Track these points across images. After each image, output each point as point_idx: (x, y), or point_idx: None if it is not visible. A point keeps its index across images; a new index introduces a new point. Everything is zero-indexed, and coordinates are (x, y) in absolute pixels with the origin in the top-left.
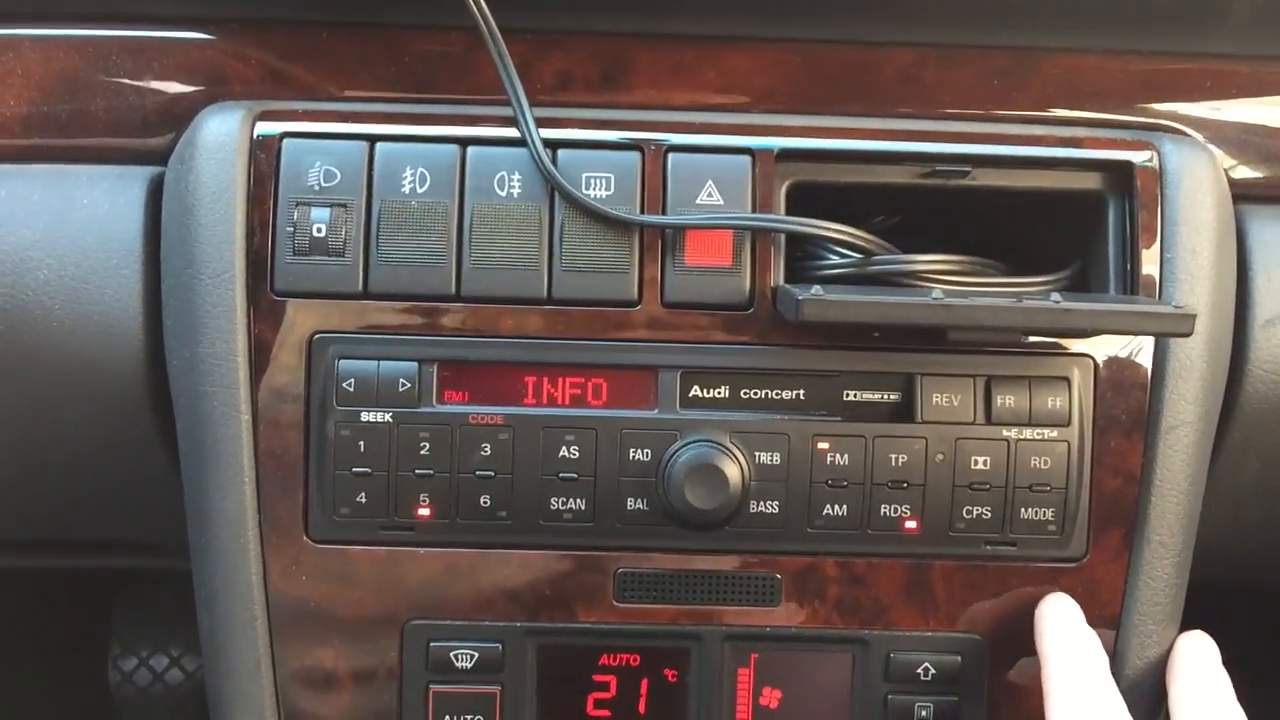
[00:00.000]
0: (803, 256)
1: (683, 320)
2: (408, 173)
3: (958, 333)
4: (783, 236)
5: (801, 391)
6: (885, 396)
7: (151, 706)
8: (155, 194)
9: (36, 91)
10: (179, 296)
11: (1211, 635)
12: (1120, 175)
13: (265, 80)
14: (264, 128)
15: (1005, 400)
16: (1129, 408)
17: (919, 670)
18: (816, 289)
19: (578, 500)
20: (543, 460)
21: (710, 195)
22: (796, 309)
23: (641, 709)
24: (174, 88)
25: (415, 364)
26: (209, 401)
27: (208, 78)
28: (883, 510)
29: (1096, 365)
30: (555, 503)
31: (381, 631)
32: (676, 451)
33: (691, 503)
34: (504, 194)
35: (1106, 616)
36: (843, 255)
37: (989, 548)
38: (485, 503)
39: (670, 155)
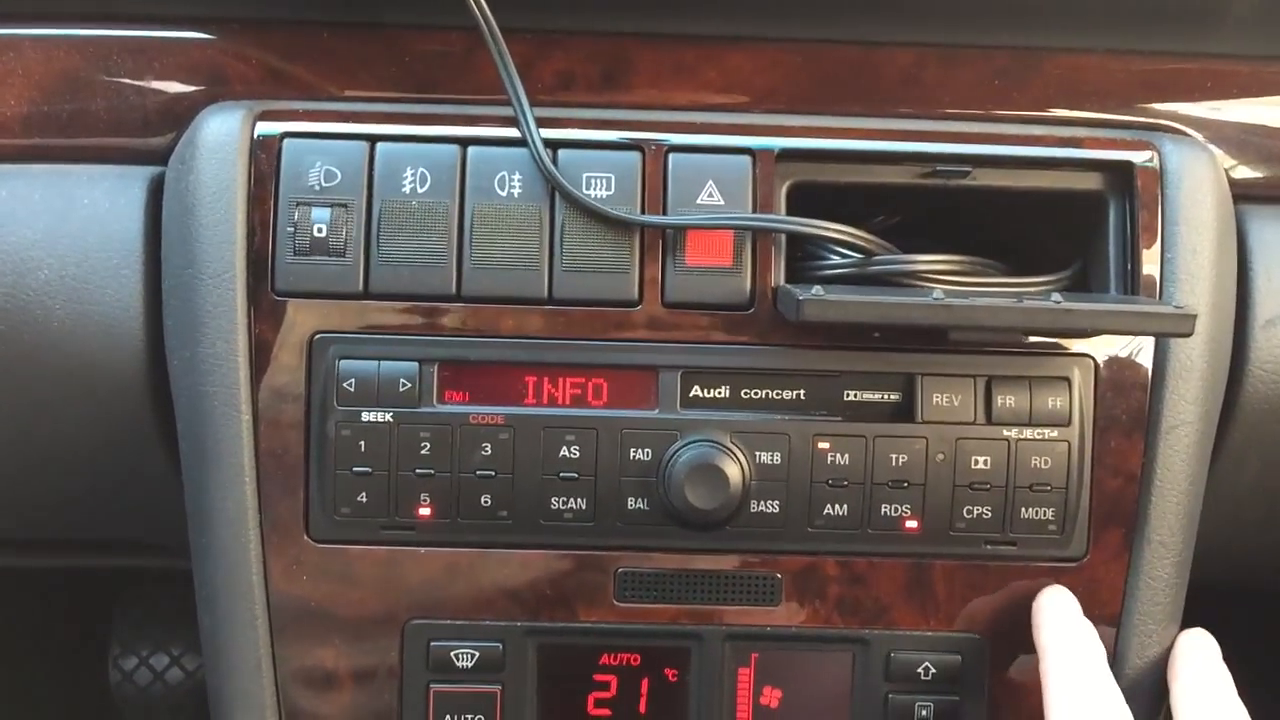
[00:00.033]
0: (803, 256)
1: (683, 320)
2: (408, 173)
3: (958, 333)
4: (783, 236)
5: (802, 391)
6: (886, 396)
7: (152, 706)
8: (156, 194)
9: (37, 91)
10: (179, 296)
11: (1212, 635)
12: (1121, 175)
13: (266, 80)
14: (264, 128)
15: (1006, 400)
16: (1129, 408)
17: (919, 670)
18: (817, 289)
19: (578, 500)
20: (543, 460)
21: (711, 195)
22: (797, 309)
23: (642, 708)
24: (174, 87)
25: (416, 364)
26: (209, 401)
27: (208, 77)
28: (883, 510)
29: (1097, 365)
30: (556, 502)
31: (382, 631)
32: (677, 451)
33: (692, 502)
34: (504, 194)
35: (1107, 616)
36: (843, 255)
37: (989, 547)
38: (486, 502)
39: (671, 155)
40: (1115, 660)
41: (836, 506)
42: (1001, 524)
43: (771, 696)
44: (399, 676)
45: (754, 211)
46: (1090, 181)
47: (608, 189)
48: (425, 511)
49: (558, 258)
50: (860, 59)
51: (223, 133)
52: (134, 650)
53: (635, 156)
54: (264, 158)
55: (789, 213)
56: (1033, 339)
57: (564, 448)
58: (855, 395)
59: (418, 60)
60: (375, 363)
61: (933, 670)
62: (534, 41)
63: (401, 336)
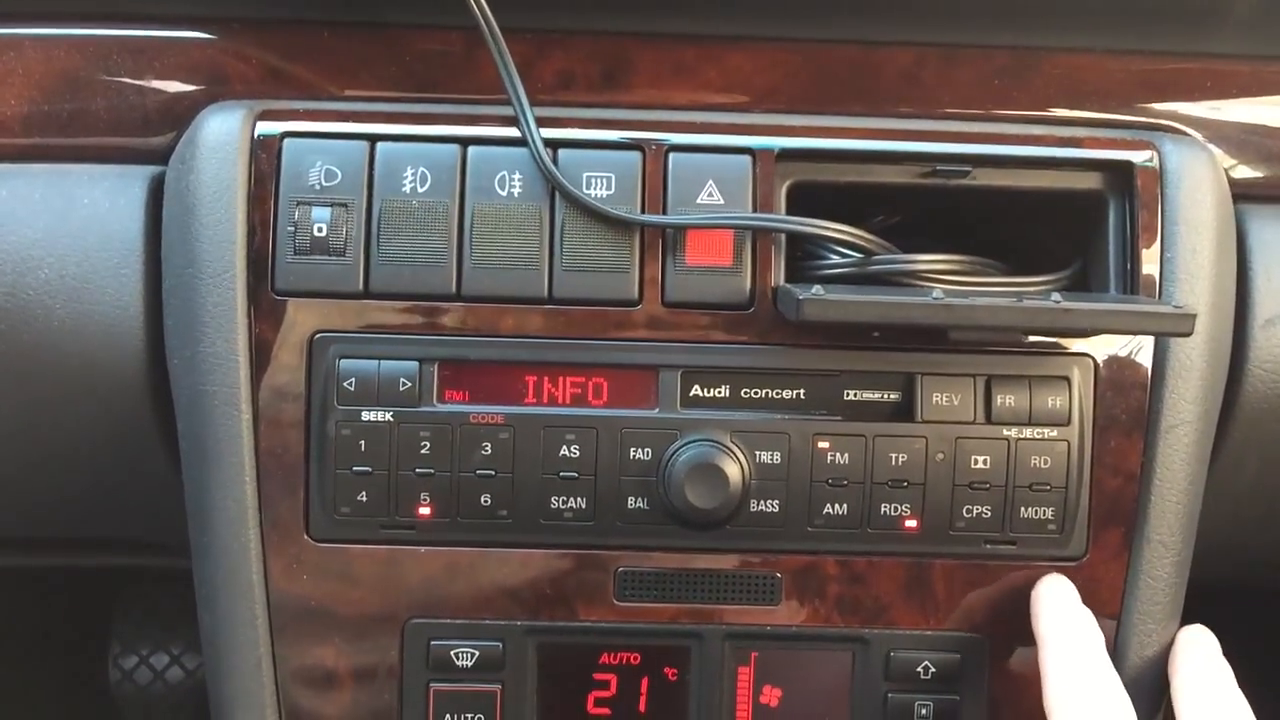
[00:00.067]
0: (803, 256)
1: (683, 320)
2: (408, 172)
3: (958, 332)
4: (783, 236)
5: (802, 391)
6: (885, 396)
7: (152, 705)
8: (156, 193)
9: (37, 91)
10: (180, 296)
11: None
12: (1120, 175)
13: (266, 80)
14: (265, 127)
15: (1005, 400)
16: (1129, 407)
17: (919, 669)
18: (817, 288)
19: (578, 499)
20: (543, 459)
21: (711, 195)
22: (797, 308)
23: (642, 707)
24: (175, 87)
25: (416, 363)
26: (210, 401)
27: (208, 77)
28: (883, 509)
29: (1096, 365)
30: (556, 502)
31: (382, 630)
32: (677, 451)
33: (692, 502)
34: (505, 193)
35: (1106, 615)
36: (843, 255)
37: (989, 547)
38: (486, 502)
39: (671, 155)
40: (1115, 659)
41: (836, 506)
42: (1001, 523)
43: (771, 695)
44: (399, 676)
45: (754, 211)
46: (1090, 181)
47: (608, 188)
48: (425, 511)
49: (558, 257)
50: (860, 59)
51: (223, 132)
52: (134, 649)
53: (635, 156)
54: (264, 157)
55: (789, 212)
56: (1032, 339)
57: (564, 447)
58: (855, 395)
59: (418, 60)
60: (375, 362)
61: (932, 669)
62: (534, 41)
63: (402, 336)
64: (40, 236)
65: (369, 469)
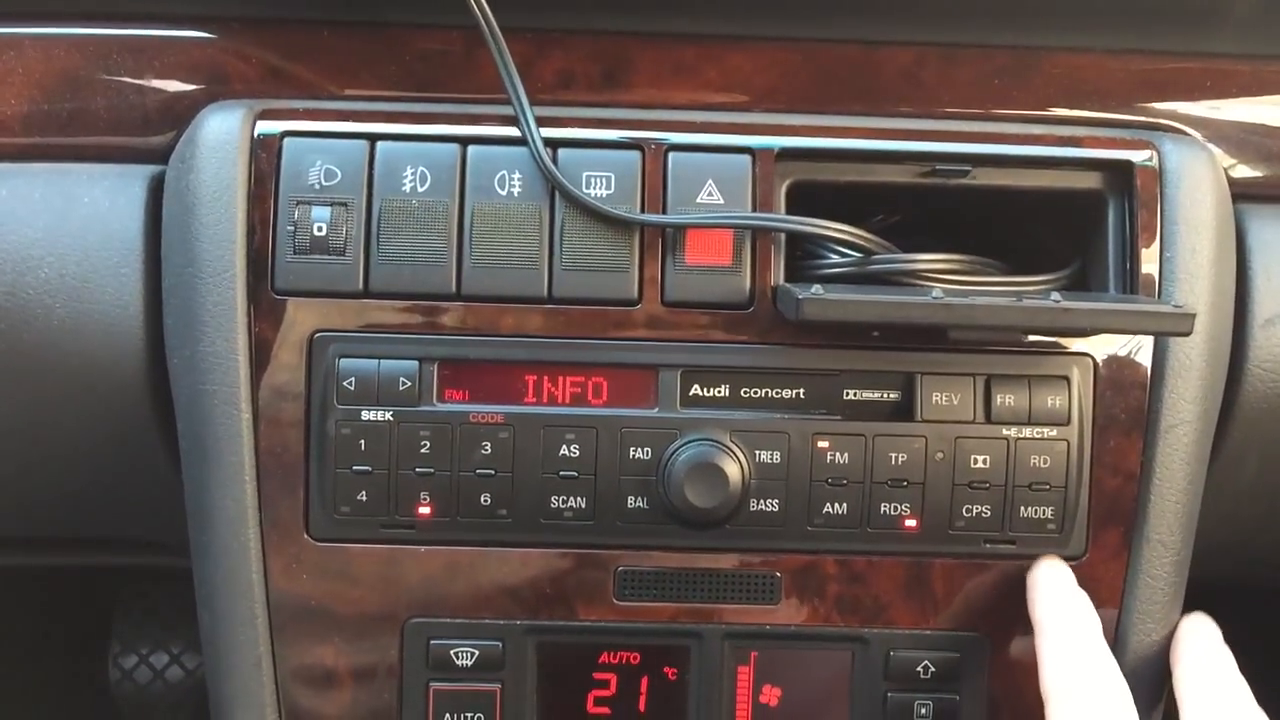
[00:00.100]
0: (803, 255)
1: (683, 319)
2: (408, 172)
3: (958, 332)
4: (783, 236)
5: (801, 390)
6: (885, 395)
7: (152, 704)
8: (156, 193)
9: (37, 90)
10: (180, 295)
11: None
12: (1120, 174)
13: (266, 79)
14: (265, 126)
15: (1005, 399)
16: (1128, 407)
17: (919, 668)
18: (817, 288)
19: (578, 499)
20: (543, 459)
21: (710, 194)
22: (797, 308)
23: (641, 707)
24: (175, 86)
25: (416, 363)
26: (210, 400)
27: (208, 76)
28: (882, 509)
29: (1096, 364)
30: (555, 501)
31: (382, 629)
32: (677, 450)
33: (692, 501)
34: (504, 193)
35: (1106, 615)
36: (843, 254)
37: (988, 546)
38: (485, 501)
39: (671, 154)
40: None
41: (836, 505)
42: (1001, 523)
43: (771, 695)
44: (399, 675)
45: (753, 210)
46: (1090, 181)
47: (607, 188)
48: (425, 510)
49: (557, 256)
50: (860, 58)
51: (223, 131)
52: (134, 648)
53: (635, 155)
54: (264, 156)
55: (788, 212)
56: (1032, 338)
57: (564, 446)
58: (855, 394)
59: (418, 59)
60: (375, 361)
61: (932, 669)
62: (534, 41)
63: (401, 335)
64: (40, 236)
65: (369, 468)
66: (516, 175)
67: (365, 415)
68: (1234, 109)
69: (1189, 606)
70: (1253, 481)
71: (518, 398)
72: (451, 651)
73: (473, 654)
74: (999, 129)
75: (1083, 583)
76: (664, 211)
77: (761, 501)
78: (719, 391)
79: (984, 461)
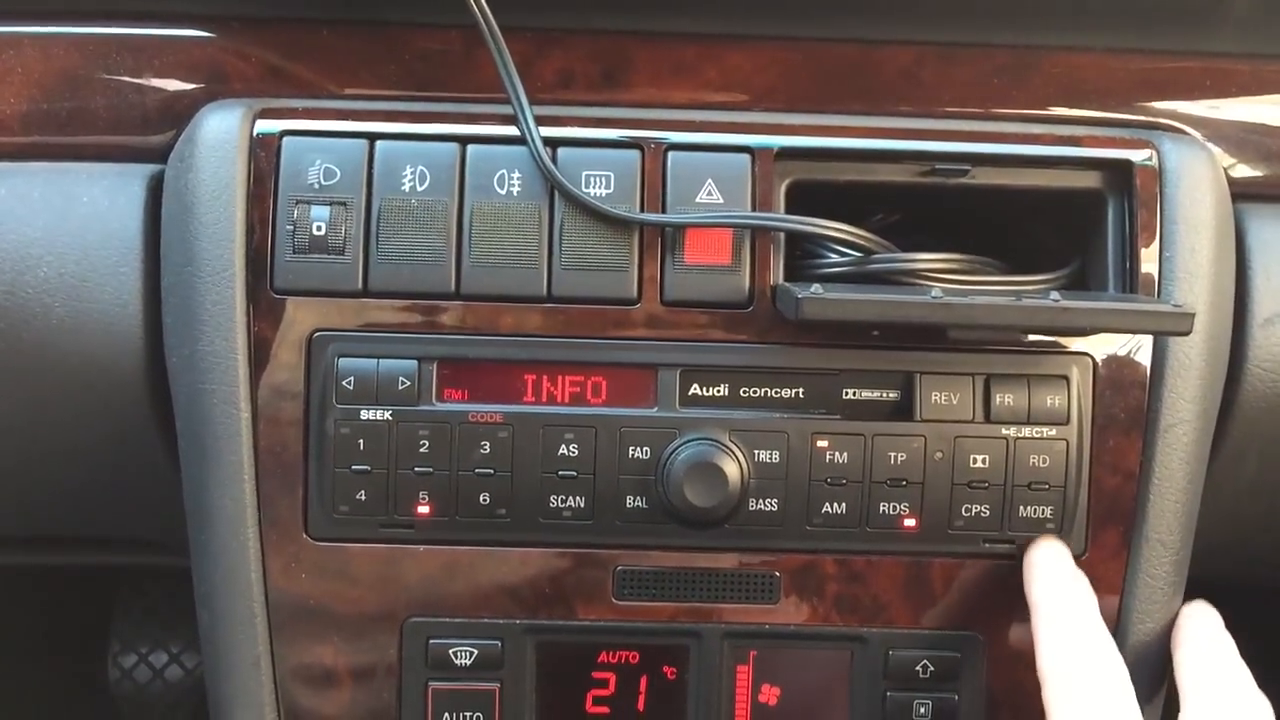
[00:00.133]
0: (802, 255)
1: (682, 318)
2: (407, 171)
3: (957, 331)
4: (782, 235)
5: (801, 390)
6: (884, 395)
7: (151, 703)
8: (155, 192)
9: (37, 89)
10: (179, 294)
11: None
12: (1119, 174)
13: (265, 78)
14: (264, 126)
15: (1004, 399)
16: (1128, 406)
17: (918, 668)
18: (816, 287)
19: (577, 498)
20: (542, 458)
21: (710, 194)
22: (796, 307)
23: (640, 706)
24: (174, 85)
25: (415, 362)
26: (209, 399)
27: (208, 75)
28: (881, 508)
29: (1095, 364)
30: (555, 500)
31: (381, 629)
32: (676, 449)
33: (691, 500)
34: (504, 192)
35: (1105, 614)
36: (842, 254)
37: (987, 545)
38: (485, 500)
39: (670, 153)
40: None
41: (835, 505)
42: (1000, 522)
43: (770, 694)
44: (398, 674)
45: (753, 210)
46: (1089, 180)
47: (607, 187)
48: (424, 509)
49: (557, 256)
50: (859, 57)
51: (222, 131)
52: (133, 648)
53: (634, 155)
54: (263, 156)
55: (788, 211)
56: (1031, 337)
57: (563, 446)
58: (854, 394)
59: (417, 59)
60: (374, 361)
61: (931, 668)
62: (533, 40)
63: (400, 334)
64: (40, 235)
65: (368, 468)
66: (516, 174)
67: (364, 414)
68: (1234, 108)
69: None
70: (1252, 480)
71: (517, 397)
72: (450, 651)
73: (472, 653)
74: (998, 128)
75: None
76: (663, 211)
77: (760, 501)
78: (718, 391)
79: (983, 461)
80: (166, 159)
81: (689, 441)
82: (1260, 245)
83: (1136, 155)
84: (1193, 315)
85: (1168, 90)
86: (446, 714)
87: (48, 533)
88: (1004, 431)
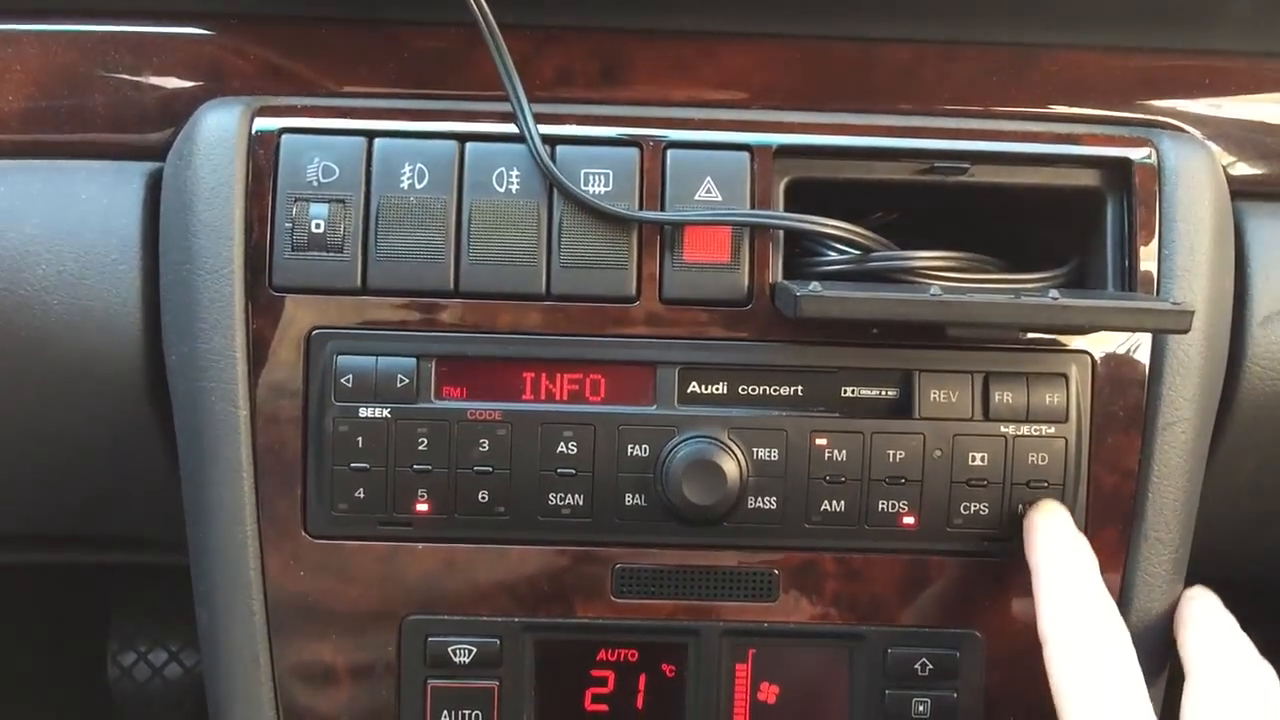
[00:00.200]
0: (801, 253)
1: (681, 316)
2: (406, 168)
3: (956, 329)
4: (781, 233)
5: (800, 388)
6: (883, 393)
7: (150, 702)
8: (154, 189)
9: (35, 87)
10: (177, 292)
11: None
12: (1118, 172)
13: (264, 76)
14: (262, 123)
15: (1003, 397)
16: (1126, 404)
17: (916, 665)
18: (815, 285)
19: (576, 496)
20: (541, 456)
21: (709, 191)
22: (795, 305)
23: (639, 704)
24: (173, 83)
25: (414, 359)
26: (207, 397)
27: (206, 73)
28: (880, 506)
29: (1094, 362)
30: (553, 498)
31: (379, 627)
32: (675, 447)
33: (689, 498)
34: (502, 190)
35: None
36: (841, 252)
37: (986, 543)
38: (483, 498)
39: (669, 151)
40: None
41: (834, 502)
42: (998, 520)
43: (769, 692)
44: (396, 672)
45: (752, 208)
46: (1088, 178)
47: (606, 185)
48: (423, 507)
49: (555, 254)
50: (859, 55)
51: (221, 128)
52: (132, 646)
53: (633, 152)
54: (262, 153)
55: (787, 209)
56: (1030, 335)
57: (562, 444)
58: (853, 391)
59: (416, 56)
60: (373, 358)
61: (930, 666)
62: (532, 38)
63: (399, 332)
64: (38, 232)
65: (366, 465)
66: (515, 172)
67: (363, 412)
68: (1233, 106)
69: None
70: (1250, 479)
71: (516, 395)
72: (449, 649)
73: (470, 651)
74: (997, 126)
75: None
76: (662, 209)
77: (759, 499)
78: (717, 389)
79: (982, 459)
80: (165, 157)
81: (688, 439)
82: (1259, 243)
83: (1135, 153)
84: (1192, 313)
85: (1167, 88)
86: (445, 712)
87: (47, 531)
88: (1003, 429)
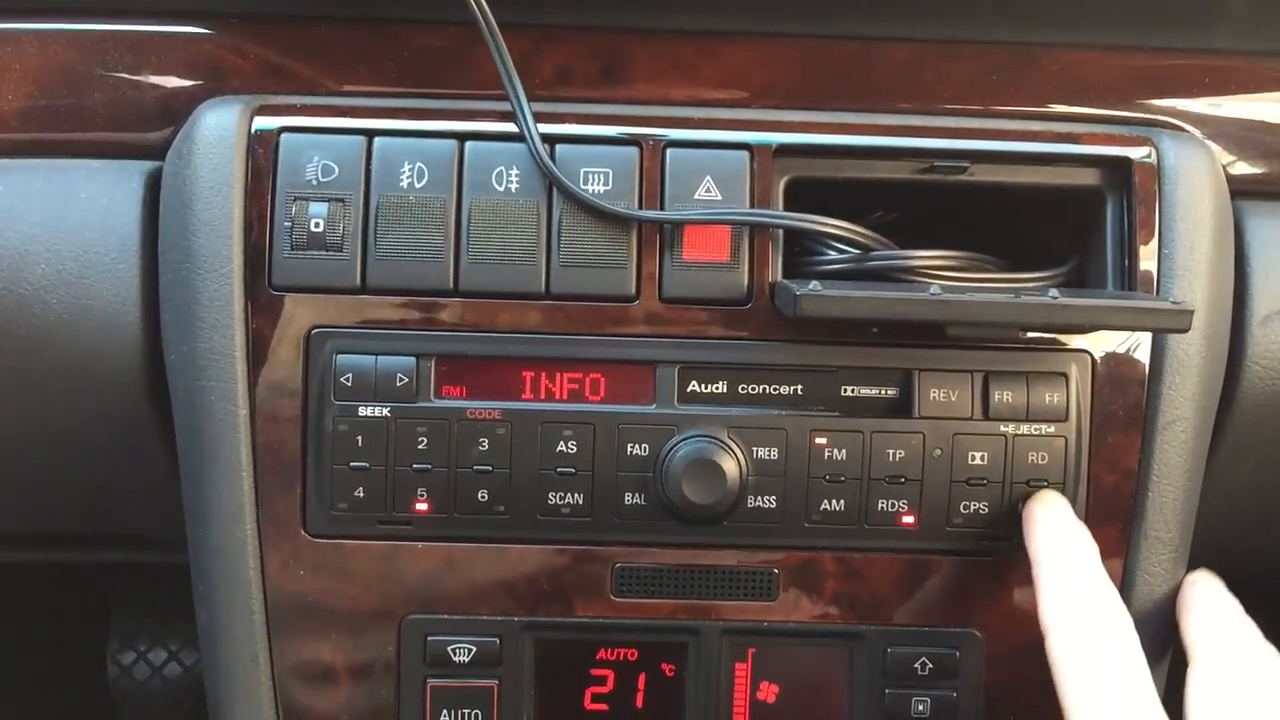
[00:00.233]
0: (801, 252)
1: (681, 315)
2: (406, 168)
3: (956, 328)
4: (781, 232)
5: (799, 387)
6: (883, 392)
7: (150, 701)
8: (153, 188)
9: (35, 86)
10: (177, 291)
11: None
12: (1118, 171)
13: (263, 75)
14: (262, 122)
15: (1003, 396)
16: (1126, 403)
17: (916, 665)
18: (814, 284)
19: (575, 495)
20: (540, 455)
21: (708, 190)
22: (795, 304)
23: (639, 703)
24: (172, 82)
25: (413, 359)
26: (207, 396)
27: (206, 72)
28: (880, 505)
29: (1094, 361)
30: (553, 497)
31: (379, 626)
32: (674, 446)
33: (689, 497)
34: (502, 189)
35: None
36: (841, 251)
37: (986, 543)
38: (483, 497)
39: (669, 150)
40: None
41: (833, 502)
42: (998, 520)
43: (769, 691)
44: (396, 671)
45: (751, 207)
46: (1088, 177)
47: (605, 184)
48: (422, 506)
49: (555, 253)
50: (858, 54)
51: (220, 127)
52: (132, 645)
53: (633, 151)
54: (261, 152)
55: (787, 208)
56: (1030, 335)
57: (561, 443)
58: (853, 391)
59: (416, 55)
60: (372, 357)
61: (929, 665)
62: (532, 37)
63: (399, 331)
64: (38, 231)
65: (366, 465)
66: (514, 171)
67: (362, 411)
68: (1233, 106)
69: None
70: (1250, 478)
71: (515, 394)
72: (449, 648)
73: (470, 650)
74: (997, 125)
75: None
76: (662, 208)
77: (759, 498)
78: (717, 388)
79: (982, 458)
80: (165, 156)
81: (687, 438)
82: (1259, 243)
83: (1135, 152)
84: (1191, 313)
85: (1167, 88)
86: (445, 711)
87: (46, 530)
88: (1003, 429)
